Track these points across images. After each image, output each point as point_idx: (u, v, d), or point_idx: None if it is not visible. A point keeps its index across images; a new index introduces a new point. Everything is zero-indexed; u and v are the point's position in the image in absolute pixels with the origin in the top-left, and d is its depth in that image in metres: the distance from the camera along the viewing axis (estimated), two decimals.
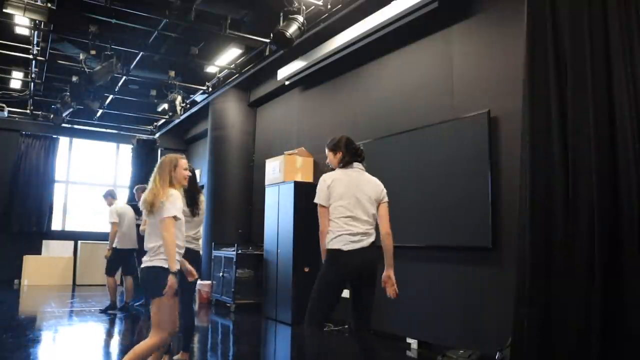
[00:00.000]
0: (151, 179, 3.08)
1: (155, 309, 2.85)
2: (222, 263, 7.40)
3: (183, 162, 3.17)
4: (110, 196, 6.99)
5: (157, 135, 10.98)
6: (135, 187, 6.98)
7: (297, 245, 6.20)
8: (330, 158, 3.21)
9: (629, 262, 2.57)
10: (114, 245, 6.55)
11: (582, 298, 2.70)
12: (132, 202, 10.28)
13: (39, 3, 5.30)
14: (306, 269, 6.22)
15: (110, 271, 6.68)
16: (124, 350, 4.61)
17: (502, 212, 4.14)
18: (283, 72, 6.93)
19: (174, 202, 2.91)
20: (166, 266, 2.82)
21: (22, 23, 5.91)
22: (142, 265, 2.97)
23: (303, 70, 6.59)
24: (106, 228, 10.99)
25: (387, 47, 5.60)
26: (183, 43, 6.57)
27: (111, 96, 8.59)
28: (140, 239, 6.39)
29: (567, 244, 2.82)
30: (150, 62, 7.27)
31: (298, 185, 6.32)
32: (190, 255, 3.83)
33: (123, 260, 6.71)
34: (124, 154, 11.29)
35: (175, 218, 2.88)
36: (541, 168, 3.00)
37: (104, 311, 6.61)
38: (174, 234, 2.86)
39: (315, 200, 3.00)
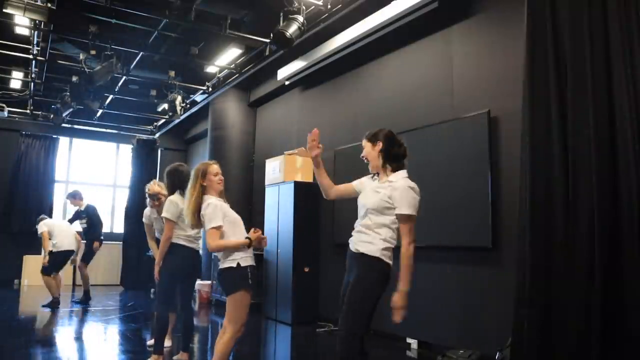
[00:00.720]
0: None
1: (228, 304, 3.03)
2: None
3: (212, 168, 3.24)
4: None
5: (157, 135, 10.97)
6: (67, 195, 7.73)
7: (297, 245, 6.20)
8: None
9: (629, 263, 2.56)
10: (50, 249, 6.96)
11: (582, 299, 2.70)
12: (132, 202, 10.32)
13: (39, 3, 5.30)
14: (306, 269, 6.22)
15: (48, 271, 6.94)
16: (123, 351, 4.62)
17: (502, 212, 4.14)
18: (283, 72, 6.93)
19: (211, 213, 3.05)
20: (234, 265, 3.00)
21: (22, 23, 5.90)
22: (218, 268, 3.14)
23: (303, 70, 6.59)
24: (106, 228, 11.08)
25: (387, 47, 5.60)
26: (183, 43, 6.56)
27: (111, 96, 8.58)
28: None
29: (567, 245, 2.82)
30: (150, 62, 7.26)
31: (298, 185, 6.32)
32: (191, 254, 3.87)
33: (62, 261, 7.09)
34: (124, 154, 11.29)
35: (218, 228, 3.02)
36: (541, 169, 3.00)
37: (47, 305, 6.88)
38: (218, 243, 3.02)
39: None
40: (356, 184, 2.94)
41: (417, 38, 5.24)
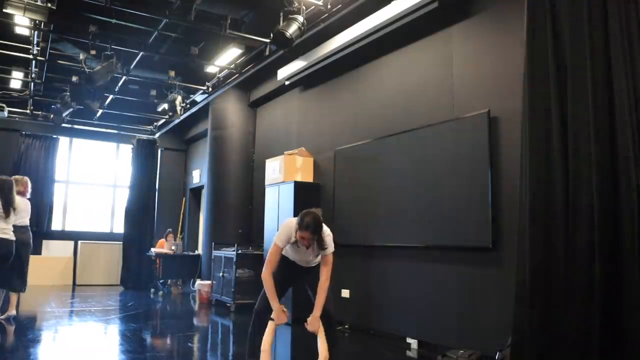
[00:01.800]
0: None
1: None
2: (222, 263, 7.41)
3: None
4: None
5: (157, 135, 10.98)
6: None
7: None
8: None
9: (629, 263, 2.56)
10: None
11: (582, 299, 2.70)
12: (132, 202, 10.34)
13: (39, 3, 5.30)
14: None
15: None
16: (124, 351, 4.62)
17: (502, 212, 4.14)
18: (283, 72, 6.93)
19: None
20: None
21: (22, 23, 5.90)
22: None
23: (303, 70, 6.59)
24: (106, 228, 11.10)
25: (387, 47, 5.60)
26: (183, 43, 6.57)
27: (111, 96, 8.59)
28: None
29: (567, 245, 2.82)
30: (150, 62, 7.27)
31: (298, 185, 6.32)
32: (6, 242, 5.21)
33: None
34: (124, 154, 11.29)
35: None
36: (541, 169, 2.99)
37: None
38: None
39: None
40: None
41: (417, 38, 5.24)
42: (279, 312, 3.28)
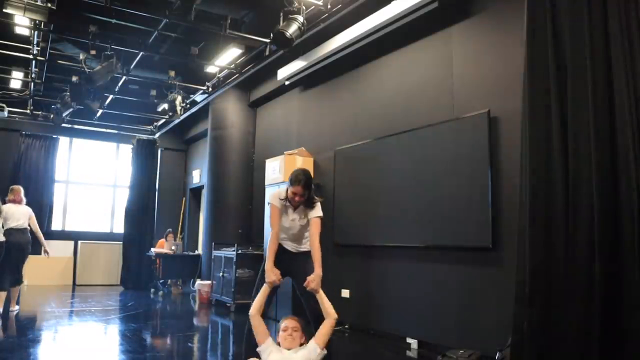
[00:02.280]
0: None
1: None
2: (222, 263, 7.41)
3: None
4: None
5: (157, 135, 10.98)
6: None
7: None
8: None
9: (629, 263, 2.56)
10: None
11: (582, 299, 2.70)
12: (132, 202, 10.33)
13: (39, 3, 5.30)
14: None
15: None
16: (124, 351, 4.62)
17: (502, 212, 4.14)
18: (283, 72, 6.93)
19: None
20: None
21: (22, 23, 5.91)
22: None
23: (303, 70, 6.59)
24: (106, 228, 11.10)
25: (387, 47, 5.60)
26: (183, 43, 6.57)
27: (111, 96, 8.59)
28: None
29: (567, 245, 2.82)
30: (150, 62, 7.27)
31: None
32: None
33: None
34: (124, 154, 11.29)
35: None
36: (541, 169, 2.99)
37: None
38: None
39: None
40: None
41: (417, 38, 5.24)
42: (269, 271, 3.29)
